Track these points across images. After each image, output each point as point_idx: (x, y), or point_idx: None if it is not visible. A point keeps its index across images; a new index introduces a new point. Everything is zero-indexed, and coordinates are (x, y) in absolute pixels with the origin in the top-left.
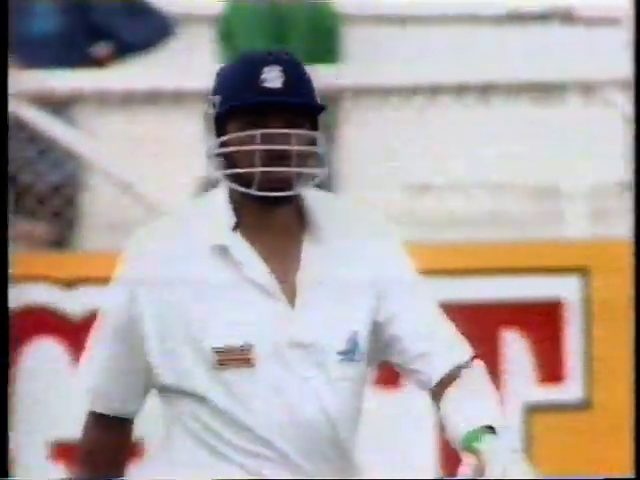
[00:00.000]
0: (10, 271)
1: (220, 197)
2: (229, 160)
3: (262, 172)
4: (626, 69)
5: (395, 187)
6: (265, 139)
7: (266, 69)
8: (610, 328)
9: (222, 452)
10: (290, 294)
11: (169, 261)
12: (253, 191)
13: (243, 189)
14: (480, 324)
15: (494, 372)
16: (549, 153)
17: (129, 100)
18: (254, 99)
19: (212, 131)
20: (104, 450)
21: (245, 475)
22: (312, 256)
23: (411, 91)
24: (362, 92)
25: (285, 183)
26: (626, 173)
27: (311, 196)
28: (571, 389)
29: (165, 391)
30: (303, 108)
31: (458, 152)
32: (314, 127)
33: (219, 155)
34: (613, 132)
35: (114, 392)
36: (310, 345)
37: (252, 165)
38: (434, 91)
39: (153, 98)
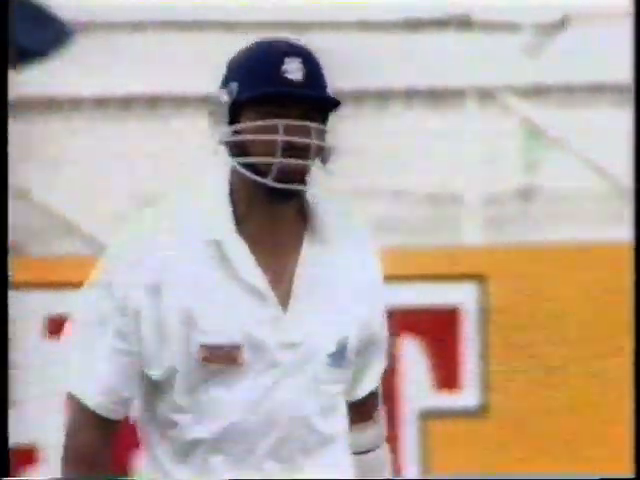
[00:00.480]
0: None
1: (219, 189)
2: (242, 149)
3: (280, 164)
4: (524, 75)
5: None
6: (287, 130)
7: (287, 60)
8: (506, 335)
9: (206, 455)
10: (284, 295)
11: (161, 254)
12: (269, 182)
13: (259, 179)
14: None
15: (390, 379)
16: (446, 159)
17: None
18: (278, 90)
19: (223, 118)
20: (99, 454)
21: (223, 470)
22: (311, 257)
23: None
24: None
25: (300, 176)
26: (523, 179)
27: (312, 196)
28: (467, 396)
29: (150, 389)
30: (320, 102)
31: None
32: (325, 121)
33: (232, 143)
34: (511, 138)
35: (116, 387)
36: (299, 348)
37: (269, 155)
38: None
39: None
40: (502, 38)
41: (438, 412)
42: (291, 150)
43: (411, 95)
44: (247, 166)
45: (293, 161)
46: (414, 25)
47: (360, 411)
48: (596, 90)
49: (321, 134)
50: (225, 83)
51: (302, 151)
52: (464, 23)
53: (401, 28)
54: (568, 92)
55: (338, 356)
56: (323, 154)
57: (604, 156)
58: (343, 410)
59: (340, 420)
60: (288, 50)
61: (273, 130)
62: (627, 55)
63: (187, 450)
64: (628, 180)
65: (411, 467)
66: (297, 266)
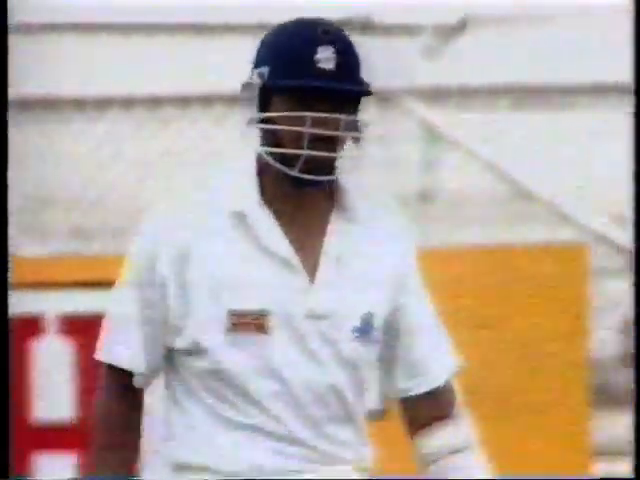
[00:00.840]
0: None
1: (247, 167)
2: (272, 135)
3: (306, 155)
4: (424, 77)
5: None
6: (315, 122)
7: (320, 49)
8: None
9: (237, 422)
10: (311, 268)
11: (190, 223)
12: (295, 173)
13: (285, 169)
14: None
15: None
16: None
17: None
18: (309, 82)
19: (254, 101)
20: (129, 419)
21: (245, 442)
22: (338, 234)
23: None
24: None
25: (327, 168)
26: (423, 182)
27: (343, 177)
28: None
29: (176, 357)
30: (351, 93)
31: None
32: (356, 110)
33: (260, 129)
34: (411, 140)
35: (145, 349)
36: (325, 318)
37: (298, 146)
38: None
39: None
40: (402, 40)
41: None
42: (318, 142)
43: None
44: (276, 154)
45: (319, 153)
46: None
47: (424, 412)
48: (495, 92)
49: (352, 124)
50: (257, 64)
51: (329, 143)
52: (365, 25)
53: None
54: (467, 94)
55: (363, 331)
56: (356, 142)
57: (504, 158)
58: (370, 393)
59: (366, 400)
60: (322, 37)
61: (301, 121)
62: (525, 56)
63: (222, 414)
64: (529, 182)
65: None
66: (324, 240)
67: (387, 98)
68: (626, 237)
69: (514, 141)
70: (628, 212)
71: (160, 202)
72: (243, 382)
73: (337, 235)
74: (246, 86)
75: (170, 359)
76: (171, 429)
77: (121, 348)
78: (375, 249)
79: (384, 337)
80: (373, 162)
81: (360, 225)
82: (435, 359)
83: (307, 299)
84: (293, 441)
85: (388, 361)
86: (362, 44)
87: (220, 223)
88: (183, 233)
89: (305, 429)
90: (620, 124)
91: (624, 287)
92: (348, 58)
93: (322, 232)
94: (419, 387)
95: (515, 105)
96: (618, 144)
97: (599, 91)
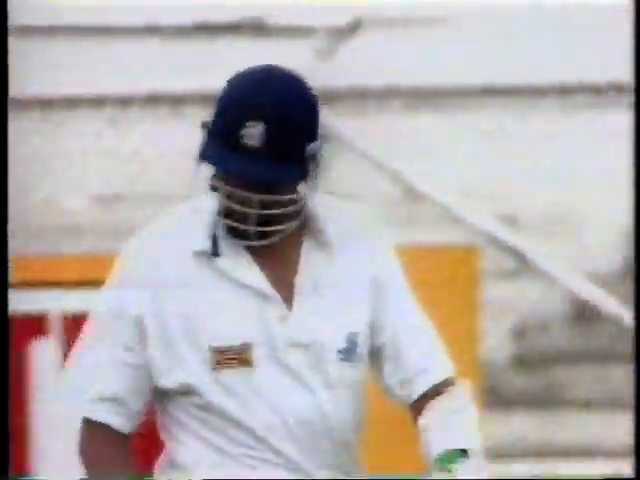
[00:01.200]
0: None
1: (212, 204)
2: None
3: (228, 225)
4: (317, 79)
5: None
6: (230, 196)
7: (249, 123)
8: None
9: (230, 452)
10: (288, 295)
11: (162, 262)
12: (225, 231)
13: (221, 218)
14: None
15: None
16: None
17: None
18: (222, 161)
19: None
20: (117, 466)
21: (250, 475)
22: (311, 258)
23: (101, 102)
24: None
25: (247, 237)
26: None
27: (312, 198)
28: None
29: (164, 397)
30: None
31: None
32: (291, 185)
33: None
34: None
35: (125, 396)
36: (309, 345)
37: (222, 209)
38: (125, 102)
39: None
40: (295, 42)
41: None
42: (233, 215)
43: (207, 99)
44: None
45: (232, 223)
46: (208, 29)
47: (425, 404)
48: (387, 93)
49: (270, 202)
50: (213, 112)
51: (242, 218)
52: (257, 27)
53: (194, 32)
54: (360, 95)
55: (349, 352)
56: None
57: (396, 159)
58: (360, 407)
59: (357, 419)
60: (256, 110)
61: (221, 193)
62: (416, 58)
63: (215, 443)
64: (420, 183)
65: None
66: (298, 267)
67: None
68: (517, 239)
69: (406, 142)
70: (520, 213)
71: (131, 244)
72: (237, 417)
73: (311, 260)
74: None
75: (158, 396)
76: (170, 458)
77: (98, 401)
78: (350, 268)
79: (374, 347)
80: None
81: (332, 247)
82: (427, 358)
83: (287, 328)
84: (293, 470)
85: (380, 369)
86: (255, 46)
87: (189, 261)
88: (153, 274)
89: (303, 458)
90: (512, 126)
91: (516, 290)
92: (281, 136)
93: (295, 259)
94: (415, 392)
95: (407, 106)
96: (509, 145)
97: (489, 93)
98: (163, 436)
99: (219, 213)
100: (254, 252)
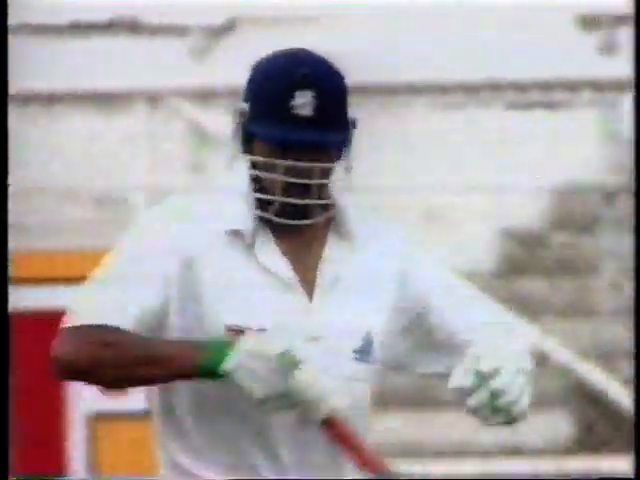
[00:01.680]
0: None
1: (244, 187)
2: (253, 176)
3: (281, 201)
4: (192, 78)
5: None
6: (289, 170)
7: (298, 93)
8: None
9: (235, 444)
10: (309, 288)
11: (193, 235)
12: (270, 215)
13: (260, 213)
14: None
15: (61, 383)
16: (111, 161)
17: None
18: (282, 133)
19: (238, 135)
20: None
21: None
22: (335, 253)
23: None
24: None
25: (301, 214)
26: (189, 181)
27: (341, 195)
28: (134, 400)
29: (165, 397)
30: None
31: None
32: (340, 152)
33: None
34: (178, 141)
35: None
36: (325, 340)
37: (273, 191)
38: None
39: None
40: (170, 41)
41: (106, 415)
42: (293, 188)
43: (79, 98)
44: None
45: (291, 200)
46: (81, 28)
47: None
48: None
49: (327, 171)
50: (244, 96)
51: (304, 190)
52: (132, 26)
53: (67, 31)
54: (236, 95)
55: (364, 352)
56: (346, 170)
57: None
58: (368, 406)
59: (366, 416)
60: (301, 81)
61: (275, 168)
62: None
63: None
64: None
65: (79, 467)
66: (321, 260)
67: (155, 98)
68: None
69: None
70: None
71: (158, 210)
72: (243, 407)
73: (334, 255)
74: (234, 115)
75: (158, 396)
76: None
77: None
78: (372, 266)
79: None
80: (140, 162)
81: (356, 245)
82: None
83: (305, 320)
84: (293, 465)
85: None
86: (129, 45)
87: (219, 239)
88: (185, 242)
89: (305, 451)
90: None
91: None
92: (328, 103)
93: (319, 252)
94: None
95: None
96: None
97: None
98: (163, 436)
99: (272, 192)
100: (281, 240)
